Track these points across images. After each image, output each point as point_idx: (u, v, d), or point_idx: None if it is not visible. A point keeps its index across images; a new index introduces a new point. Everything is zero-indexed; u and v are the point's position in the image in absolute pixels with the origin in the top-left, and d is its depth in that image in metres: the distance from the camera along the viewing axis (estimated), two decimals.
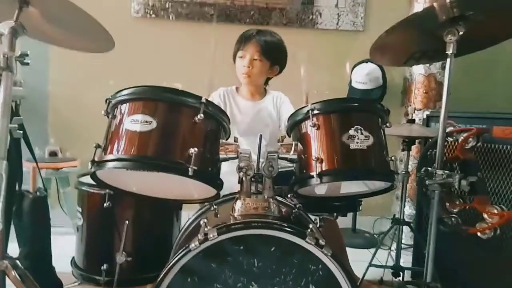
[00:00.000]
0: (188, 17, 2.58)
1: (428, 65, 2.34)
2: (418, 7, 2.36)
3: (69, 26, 1.21)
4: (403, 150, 1.59)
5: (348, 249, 2.12)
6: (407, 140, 1.57)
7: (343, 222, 2.63)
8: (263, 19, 2.61)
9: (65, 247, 1.45)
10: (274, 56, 1.66)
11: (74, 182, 1.42)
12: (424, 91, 2.35)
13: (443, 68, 2.29)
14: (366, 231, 2.57)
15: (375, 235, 2.52)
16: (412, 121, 1.61)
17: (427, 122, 1.82)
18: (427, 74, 2.36)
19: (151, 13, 2.56)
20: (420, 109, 2.39)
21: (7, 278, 0.99)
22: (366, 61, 2.43)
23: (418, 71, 2.40)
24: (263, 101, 1.74)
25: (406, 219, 1.75)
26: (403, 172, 1.55)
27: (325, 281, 0.92)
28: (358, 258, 1.73)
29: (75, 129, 2.55)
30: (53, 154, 2.37)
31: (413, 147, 1.59)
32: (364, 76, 2.38)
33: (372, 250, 2.16)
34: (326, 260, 0.91)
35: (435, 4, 1.10)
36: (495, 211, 1.06)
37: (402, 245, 2.31)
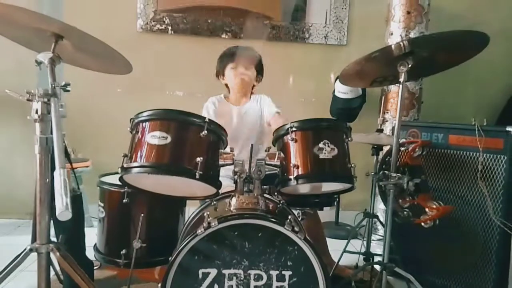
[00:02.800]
0: (187, 32, 2.85)
1: None
2: (394, 26, 2.64)
3: (94, 54, 1.45)
4: (372, 154, 1.88)
5: (331, 240, 2.45)
6: (375, 146, 1.86)
7: (328, 216, 2.94)
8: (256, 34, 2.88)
9: None
10: (259, 67, 2.00)
11: (96, 181, 1.68)
12: None
13: (416, 80, 2.58)
14: (347, 224, 2.86)
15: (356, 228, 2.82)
16: (380, 130, 1.90)
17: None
18: None
19: (154, 28, 2.83)
20: (395, 117, 2.68)
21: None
22: None
23: None
24: (249, 104, 2.01)
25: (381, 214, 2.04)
26: (373, 173, 1.84)
27: (299, 258, 1.20)
28: (339, 247, 1.99)
29: (86, 132, 2.80)
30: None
31: (381, 152, 1.88)
32: (345, 87, 2.64)
33: (352, 240, 2.47)
34: (300, 243, 1.20)
35: (392, 46, 1.39)
36: (434, 206, 1.35)
37: (378, 236, 2.62)
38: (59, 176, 0.97)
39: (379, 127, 1.90)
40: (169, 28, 2.83)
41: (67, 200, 0.93)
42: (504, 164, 1.73)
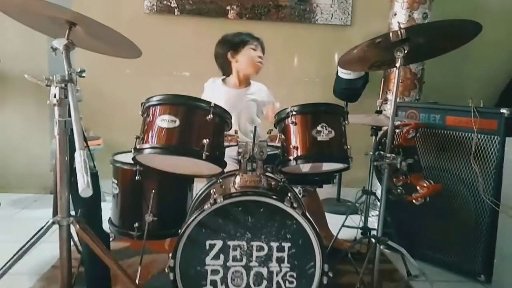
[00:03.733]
0: (193, 12, 2.90)
1: None
2: (398, 6, 2.66)
3: (105, 39, 1.53)
4: (371, 135, 1.96)
5: (333, 215, 2.57)
6: (374, 127, 1.93)
7: (330, 193, 3.06)
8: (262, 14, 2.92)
9: None
10: None
11: (110, 160, 1.79)
12: (400, 81, 2.69)
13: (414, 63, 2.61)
14: (348, 200, 2.97)
15: (356, 204, 2.93)
16: (379, 112, 1.97)
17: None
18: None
19: (161, 9, 2.88)
20: (398, 96, 2.74)
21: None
22: None
23: None
24: (249, 90, 2.06)
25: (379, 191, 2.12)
26: (371, 153, 1.92)
27: (298, 231, 1.31)
28: (340, 222, 2.10)
29: (97, 111, 2.90)
30: None
31: (379, 133, 1.96)
32: None
33: (353, 216, 2.59)
34: (298, 217, 1.30)
35: (390, 33, 1.45)
36: (425, 185, 1.45)
37: (376, 212, 2.73)
38: (79, 157, 1.07)
39: (378, 109, 1.97)
40: (176, 9, 2.87)
41: (88, 178, 1.04)
42: (497, 145, 1.81)
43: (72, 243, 1.68)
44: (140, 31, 2.62)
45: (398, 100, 2.59)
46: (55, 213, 1.38)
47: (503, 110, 1.78)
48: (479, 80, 3.06)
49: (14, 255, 1.32)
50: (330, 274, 1.30)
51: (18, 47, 2.86)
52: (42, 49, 2.68)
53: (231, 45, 2.02)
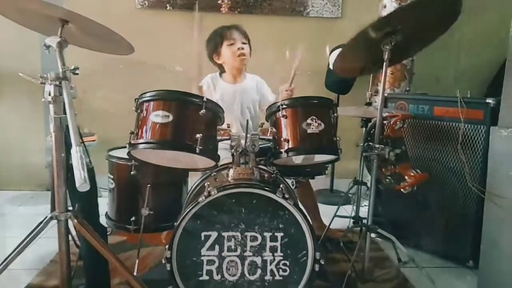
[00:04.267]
0: (185, 7, 2.91)
1: None
2: None
3: (98, 36, 1.55)
4: (361, 127, 2.01)
5: (326, 206, 2.61)
6: (365, 119, 1.98)
7: (323, 184, 3.11)
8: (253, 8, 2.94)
9: None
10: (249, 42, 2.06)
11: (105, 155, 1.82)
12: (391, 72, 2.73)
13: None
14: (341, 191, 3.03)
15: (348, 195, 2.99)
16: (369, 104, 2.01)
17: (385, 102, 2.23)
18: None
19: (153, 4, 2.88)
20: (389, 87, 2.79)
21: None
22: (342, 46, 2.78)
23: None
24: (245, 83, 2.11)
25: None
26: (361, 144, 1.97)
27: (290, 221, 1.35)
28: (332, 213, 2.12)
29: (90, 107, 2.92)
30: None
31: (369, 124, 2.00)
32: None
33: (345, 206, 2.64)
34: (290, 208, 1.34)
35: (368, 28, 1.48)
36: (412, 174, 1.49)
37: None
38: (76, 153, 1.10)
39: (368, 101, 2.01)
40: (167, 4, 2.88)
41: (85, 174, 1.07)
42: (484, 134, 1.86)
43: (70, 238, 1.72)
44: (132, 26, 2.63)
45: (388, 91, 2.65)
46: (52, 208, 1.41)
47: (489, 100, 1.83)
48: (469, 70, 3.10)
49: (14, 250, 1.35)
50: (322, 262, 1.35)
51: (11, 45, 2.86)
52: (34, 46, 2.68)
53: (212, 47, 2.07)
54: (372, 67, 1.70)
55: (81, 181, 1.05)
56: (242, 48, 2.01)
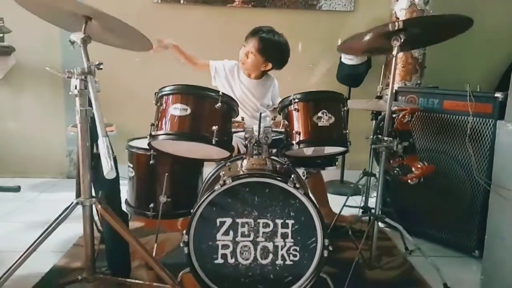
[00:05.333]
0: (199, 1, 2.97)
1: None
2: None
3: (118, 33, 1.62)
4: (372, 119, 2.06)
5: (336, 196, 2.68)
6: (375, 112, 2.03)
7: (334, 175, 3.17)
8: (266, 1, 2.99)
9: None
10: (268, 54, 1.99)
11: (125, 145, 1.91)
12: (402, 66, 2.76)
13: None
14: (351, 182, 3.08)
15: (358, 185, 3.05)
16: (380, 97, 2.06)
17: (395, 96, 2.27)
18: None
19: None
20: (400, 80, 2.82)
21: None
22: None
23: None
24: (260, 82, 2.13)
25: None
26: (371, 136, 2.02)
27: (300, 209, 1.43)
28: (342, 203, 2.18)
29: (109, 98, 3.02)
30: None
31: (379, 117, 2.05)
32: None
33: (355, 197, 2.71)
34: (301, 197, 1.42)
35: (389, 24, 1.54)
36: (419, 166, 1.55)
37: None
38: (103, 143, 1.19)
39: (378, 94, 2.06)
40: None
41: (111, 162, 1.16)
42: (492, 127, 1.89)
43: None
44: (149, 21, 2.71)
45: (399, 85, 2.69)
46: (78, 194, 1.51)
47: (497, 94, 1.86)
48: (480, 64, 3.11)
49: (43, 233, 1.45)
50: (330, 248, 1.42)
51: (33, 39, 2.97)
52: (55, 41, 2.79)
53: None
54: (375, 52, 1.75)
55: (108, 169, 1.13)
56: (245, 57, 2.02)
